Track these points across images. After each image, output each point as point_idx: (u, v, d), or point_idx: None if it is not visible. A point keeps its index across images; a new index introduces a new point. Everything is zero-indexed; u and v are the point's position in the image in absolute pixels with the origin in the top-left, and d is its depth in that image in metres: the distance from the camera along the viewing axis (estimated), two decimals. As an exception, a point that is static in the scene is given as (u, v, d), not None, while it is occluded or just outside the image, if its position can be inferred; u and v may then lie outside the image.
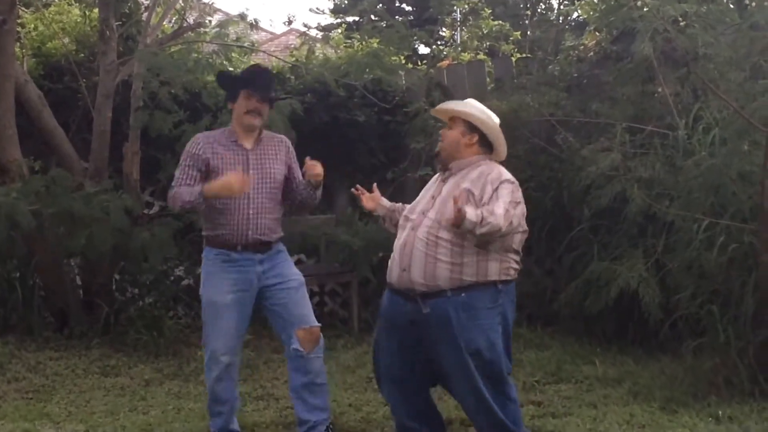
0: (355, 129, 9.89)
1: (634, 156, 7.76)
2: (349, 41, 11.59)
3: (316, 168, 5.78)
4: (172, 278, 9.45)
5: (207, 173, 5.74)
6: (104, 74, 8.81)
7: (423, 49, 14.14)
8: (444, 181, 5.42)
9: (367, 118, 9.87)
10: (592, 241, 8.24)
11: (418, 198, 5.53)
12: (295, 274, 5.87)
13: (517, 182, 5.32)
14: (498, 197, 5.13)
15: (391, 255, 5.41)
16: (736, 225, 6.65)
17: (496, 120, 5.50)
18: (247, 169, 5.71)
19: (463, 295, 5.15)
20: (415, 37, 10.57)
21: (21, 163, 8.58)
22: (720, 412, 6.24)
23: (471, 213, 4.92)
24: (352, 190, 5.90)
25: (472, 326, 5.15)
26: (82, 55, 9.90)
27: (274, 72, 6.02)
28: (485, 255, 5.17)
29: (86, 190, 8.36)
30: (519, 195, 5.25)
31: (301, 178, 5.93)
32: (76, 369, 7.83)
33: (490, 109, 5.56)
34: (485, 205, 5.11)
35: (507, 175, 5.31)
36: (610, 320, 8.09)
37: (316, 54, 10.59)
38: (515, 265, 5.29)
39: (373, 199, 5.84)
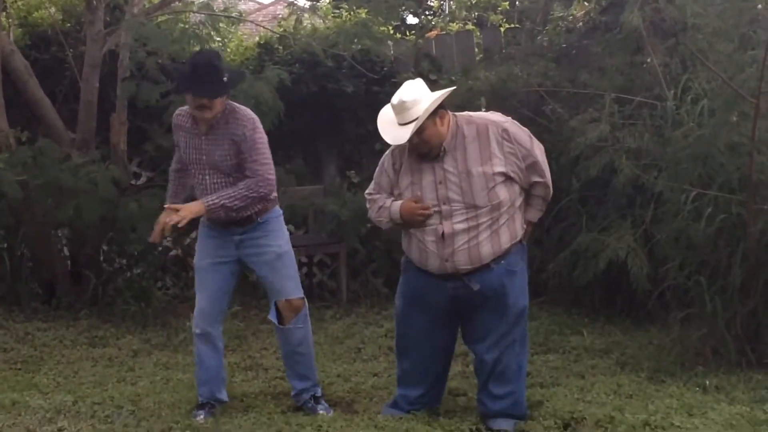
0: (343, 99, 9.86)
1: (622, 127, 7.74)
2: (338, 11, 11.52)
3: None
4: (160, 249, 9.43)
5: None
6: (91, 44, 8.75)
7: (411, 20, 14.07)
8: (439, 161, 5.34)
9: (355, 89, 9.83)
10: (580, 212, 8.24)
11: (407, 186, 5.42)
12: (274, 246, 5.79)
13: (501, 116, 5.48)
14: (525, 147, 5.36)
15: (418, 244, 5.38)
16: (724, 196, 6.65)
17: (416, 87, 5.36)
18: (200, 154, 5.69)
19: (502, 262, 5.36)
20: (404, 7, 10.52)
21: (8, 134, 8.54)
22: (707, 382, 6.28)
23: (534, 215, 5.51)
24: None
25: (514, 288, 5.42)
26: (69, 24, 9.82)
27: (220, 57, 5.76)
28: (512, 212, 5.36)
29: (73, 160, 8.34)
30: (525, 131, 5.46)
31: (249, 163, 5.65)
32: (64, 340, 7.83)
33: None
34: (526, 166, 5.35)
35: (495, 116, 5.45)
36: (598, 291, 8.12)
37: (304, 24, 10.53)
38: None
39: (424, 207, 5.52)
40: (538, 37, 9.97)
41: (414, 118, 5.22)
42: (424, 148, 5.33)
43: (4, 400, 6.09)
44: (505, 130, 5.30)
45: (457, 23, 13.24)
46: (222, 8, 9.66)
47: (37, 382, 6.68)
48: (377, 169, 5.64)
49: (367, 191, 5.71)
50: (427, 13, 14.99)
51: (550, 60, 9.14)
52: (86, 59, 8.79)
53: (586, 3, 10.00)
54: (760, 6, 7.19)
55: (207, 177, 5.70)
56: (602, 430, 5.46)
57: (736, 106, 6.72)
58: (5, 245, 8.88)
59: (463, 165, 5.28)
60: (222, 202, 5.57)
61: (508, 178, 5.28)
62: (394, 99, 5.33)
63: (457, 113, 5.45)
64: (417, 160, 5.40)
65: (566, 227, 8.40)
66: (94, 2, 8.74)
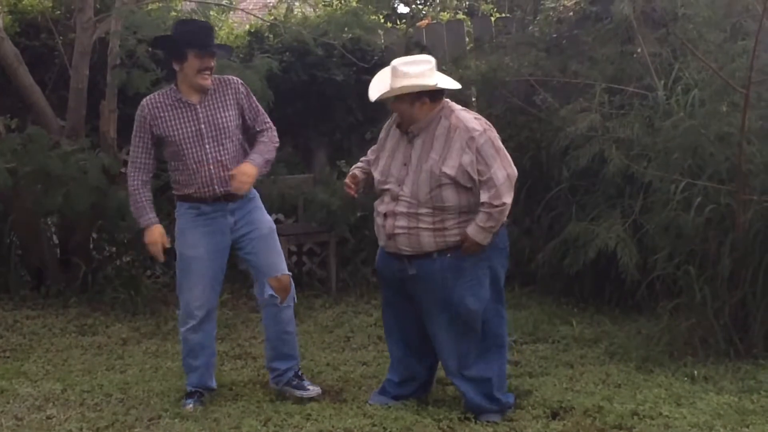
0: (334, 88, 9.84)
1: (612, 117, 7.74)
2: (328, 0, 11.51)
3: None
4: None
5: (158, 141, 5.77)
6: (81, 31, 8.72)
7: (402, 9, 14.05)
8: (410, 142, 5.40)
9: (345, 78, 9.82)
10: (570, 202, 8.25)
11: (385, 156, 5.53)
12: (267, 221, 5.87)
13: (485, 122, 5.39)
14: (488, 164, 5.19)
15: (375, 219, 5.53)
16: (713, 186, 6.66)
17: (427, 65, 5.41)
18: (198, 122, 5.67)
19: (449, 255, 5.30)
20: (395, -4, 10.51)
21: (-3, 121, 8.53)
22: (695, 372, 6.30)
23: (472, 231, 5.24)
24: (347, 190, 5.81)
25: (459, 284, 5.31)
26: (59, 12, 9.79)
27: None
28: (466, 217, 5.28)
29: (63, 148, 8.31)
30: (499, 141, 5.32)
31: (258, 117, 5.88)
32: (53, 328, 7.82)
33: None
34: (480, 181, 5.20)
35: (473, 124, 5.31)
36: (587, 280, 8.12)
37: (295, 12, 10.52)
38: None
39: (354, 183, 5.76)
40: (529, 27, 9.96)
41: (393, 86, 5.33)
42: (398, 118, 5.48)
43: (-7, 388, 6.10)
44: (471, 138, 5.24)
45: (448, 12, 13.24)
46: (213, -4, 9.64)
47: (26, 370, 6.67)
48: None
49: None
50: (417, 2, 14.97)
51: (541, 50, 9.13)
52: (76, 47, 8.76)
53: (576, -8, 9.99)
54: (750, -4, 7.18)
55: (207, 148, 5.66)
56: (591, 419, 5.48)
57: (725, 96, 6.73)
58: (-6, 233, 8.86)
59: (424, 156, 5.31)
60: (264, 157, 5.78)
61: (457, 184, 5.24)
62: (395, 61, 5.42)
63: (452, 106, 5.44)
64: (401, 135, 5.46)
65: (556, 216, 8.42)
66: (84, -11, 8.71)
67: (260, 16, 10.65)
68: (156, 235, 5.81)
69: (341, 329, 7.89)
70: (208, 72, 5.66)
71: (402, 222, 5.31)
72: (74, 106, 8.78)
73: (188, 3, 9.38)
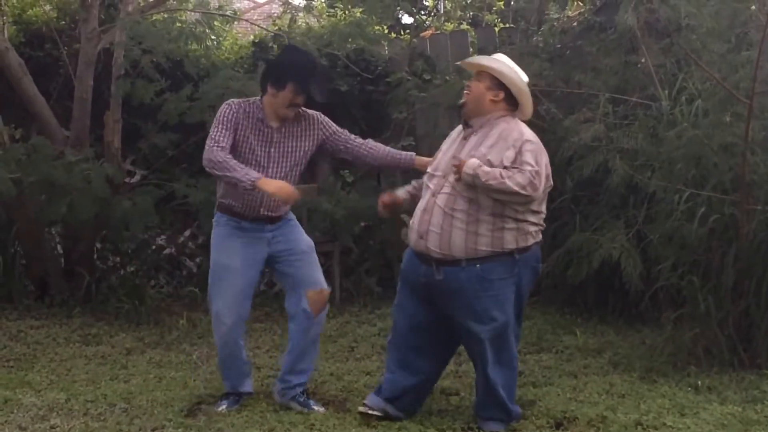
0: (338, 98, 9.82)
1: (616, 127, 7.75)
2: (332, 10, 11.52)
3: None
4: (154, 247, 9.43)
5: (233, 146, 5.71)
6: (85, 42, 8.76)
7: (406, 19, 14.06)
8: (465, 138, 5.43)
9: (349, 88, 9.83)
10: (573, 212, 8.25)
11: (442, 151, 5.56)
12: (306, 240, 5.93)
13: (539, 142, 5.36)
14: (521, 162, 5.18)
15: (413, 216, 5.47)
16: (717, 196, 6.66)
17: (525, 78, 5.52)
18: (269, 146, 5.71)
19: (478, 266, 5.24)
20: (399, 7, 10.53)
21: (1, 131, 8.53)
22: (699, 382, 6.29)
23: (472, 162, 5.15)
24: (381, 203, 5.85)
25: (484, 297, 5.26)
26: (64, 22, 9.83)
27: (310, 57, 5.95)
28: (501, 225, 5.23)
29: (67, 158, 8.33)
30: (543, 158, 5.29)
31: (348, 138, 6.03)
32: (57, 337, 7.82)
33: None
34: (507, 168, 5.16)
35: (529, 134, 5.33)
36: (591, 291, 8.12)
37: (299, 23, 10.54)
38: (534, 229, 5.38)
39: (392, 203, 5.80)
40: (533, 37, 9.97)
41: (492, 63, 5.49)
42: (465, 97, 5.49)
43: (-3, 398, 6.10)
44: (520, 140, 5.26)
45: (452, 23, 13.24)
46: (216, 6, 9.65)
47: (30, 379, 6.67)
48: None
49: None
50: (422, 12, 14.98)
51: (545, 60, 9.14)
52: (81, 57, 8.79)
53: (581, 3, 10.00)
54: (753, 7, 7.18)
55: (270, 171, 5.69)
56: (594, 429, 5.47)
57: (729, 106, 6.73)
58: (-2, 243, 8.87)
59: (473, 150, 5.30)
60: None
61: None
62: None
63: (517, 119, 5.48)
64: (460, 133, 5.52)
65: (559, 227, 8.40)
66: (89, 0, 8.73)
67: (264, 26, 10.65)
68: (277, 181, 5.66)
69: (345, 339, 7.89)
70: (297, 108, 5.73)
71: (437, 218, 5.25)
72: (78, 116, 8.81)
73: (193, 14, 9.40)
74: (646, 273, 7.18)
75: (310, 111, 5.92)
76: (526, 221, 5.29)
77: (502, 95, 5.41)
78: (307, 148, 5.85)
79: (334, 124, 6.02)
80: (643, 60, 8.17)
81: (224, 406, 5.87)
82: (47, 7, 9.88)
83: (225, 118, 5.69)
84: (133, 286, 8.77)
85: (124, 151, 9.02)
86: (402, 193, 5.81)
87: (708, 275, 6.67)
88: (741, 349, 6.56)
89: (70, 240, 9.10)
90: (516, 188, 5.10)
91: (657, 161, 7.17)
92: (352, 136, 6.05)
